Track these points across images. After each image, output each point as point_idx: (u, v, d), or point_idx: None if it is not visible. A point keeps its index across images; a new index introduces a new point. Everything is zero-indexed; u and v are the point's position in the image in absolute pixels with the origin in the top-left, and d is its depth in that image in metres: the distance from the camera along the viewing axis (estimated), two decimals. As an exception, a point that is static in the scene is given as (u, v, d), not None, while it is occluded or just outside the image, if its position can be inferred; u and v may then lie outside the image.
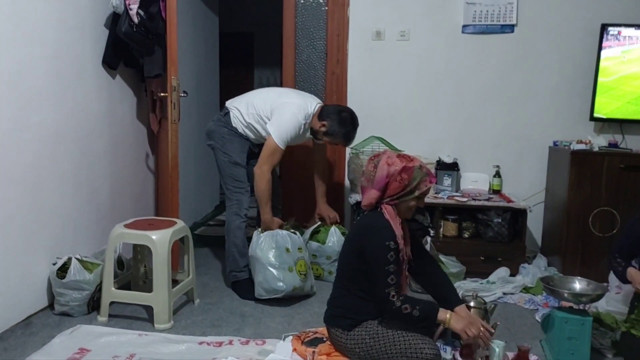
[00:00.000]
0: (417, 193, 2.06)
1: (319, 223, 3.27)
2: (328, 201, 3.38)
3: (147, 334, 2.38)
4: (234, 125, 2.99)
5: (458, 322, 1.99)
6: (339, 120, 2.92)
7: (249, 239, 2.90)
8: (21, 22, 2.39)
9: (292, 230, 2.94)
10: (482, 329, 2.00)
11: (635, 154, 3.16)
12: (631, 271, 2.29)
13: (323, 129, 2.94)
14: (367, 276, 2.03)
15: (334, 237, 3.14)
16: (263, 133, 2.93)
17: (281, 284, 2.69)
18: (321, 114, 2.95)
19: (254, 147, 3.04)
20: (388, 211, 2.06)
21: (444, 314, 2.00)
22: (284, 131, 2.84)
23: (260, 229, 2.88)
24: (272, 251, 2.75)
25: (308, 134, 3.03)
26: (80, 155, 2.85)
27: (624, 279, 2.34)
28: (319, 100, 3.07)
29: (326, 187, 3.37)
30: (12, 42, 2.33)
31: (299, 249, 2.86)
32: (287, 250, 2.79)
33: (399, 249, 2.02)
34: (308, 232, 3.25)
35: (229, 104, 3.07)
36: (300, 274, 2.77)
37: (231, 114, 3.00)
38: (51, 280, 2.58)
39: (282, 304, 2.75)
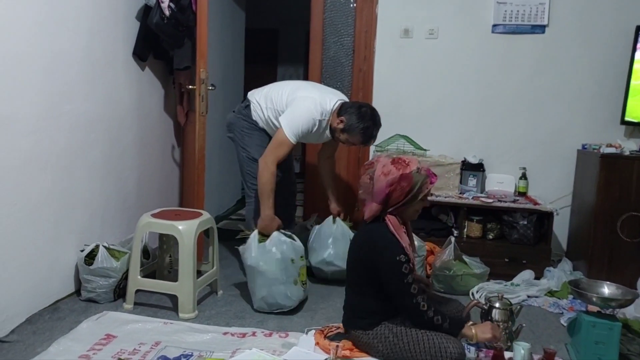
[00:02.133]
0: (420, 197, 2.02)
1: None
2: (351, 197, 3.33)
3: (172, 323, 2.41)
4: (254, 118, 2.91)
5: (484, 332, 2.00)
6: (357, 115, 2.70)
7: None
8: (56, 12, 2.43)
9: (288, 235, 2.65)
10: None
11: (667, 160, 3.10)
12: None
13: (340, 125, 2.73)
14: (387, 291, 2.03)
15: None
16: None
17: (288, 300, 2.54)
18: (340, 111, 2.75)
19: None
20: (392, 222, 2.01)
21: (469, 331, 2.00)
22: (295, 124, 2.68)
23: (255, 229, 2.62)
24: (279, 264, 2.50)
25: (327, 133, 2.84)
26: (109, 145, 2.89)
27: None
28: (342, 97, 2.87)
29: (336, 188, 3.20)
30: (47, 31, 2.38)
31: (301, 257, 2.64)
32: (292, 261, 2.56)
33: (409, 258, 2.01)
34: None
35: (251, 95, 2.97)
36: (303, 285, 2.63)
37: (252, 106, 2.92)
38: (79, 267, 2.62)
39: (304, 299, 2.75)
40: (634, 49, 3.29)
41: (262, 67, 6.81)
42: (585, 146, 3.43)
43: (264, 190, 2.66)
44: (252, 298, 2.60)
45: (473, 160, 3.58)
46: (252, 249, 2.54)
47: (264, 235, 2.60)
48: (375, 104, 3.66)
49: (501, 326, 2.20)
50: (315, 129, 2.76)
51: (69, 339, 2.20)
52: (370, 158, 3.71)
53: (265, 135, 2.93)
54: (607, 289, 2.22)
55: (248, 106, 2.94)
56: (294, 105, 2.74)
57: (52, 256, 2.53)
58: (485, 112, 3.65)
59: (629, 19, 3.36)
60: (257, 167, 2.85)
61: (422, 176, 2.00)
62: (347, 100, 2.89)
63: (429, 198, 2.24)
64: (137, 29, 3.08)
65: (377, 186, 1.98)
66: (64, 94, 2.51)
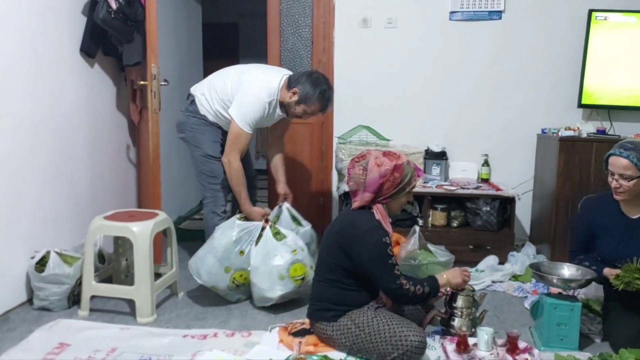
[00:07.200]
0: (408, 189, 2.08)
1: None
2: (316, 190, 3.28)
3: (130, 328, 2.32)
4: (202, 113, 2.77)
5: (455, 277, 2.12)
6: (310, 82, 2.62)
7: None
8: (-8, 7, 2.30)
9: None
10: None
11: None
12: (606, 271, 2.16)
13: (295, 97, 2.64)
14: (371, 276, 2.01)
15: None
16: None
17: (208, 276, 2.52)
18: (290, 84, 2.66)
19: (225, 136, 2.76)
20: (380, 211, 2.05)
21: (442, 279, 2.09)
22: (246, 114, 2.60)
23: (241, 216, 2.66)
24: (229, 241, 2.52)
25: (279, 112, 2.74)
26: (58, 146, 2.77)
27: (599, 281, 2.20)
28: (287, 72, 2.77)
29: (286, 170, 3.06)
30: (-17, 27, 2.25)
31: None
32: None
33: (392, 244, 2.03)
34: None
35: (194, 89, 2.82)
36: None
37: (197, 100, 2.78)
38: (30, 275, 2.50)
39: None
40: (588, 33, 3.32)
41: (223, 62, 6.63)
42: (545, 130, 3.46)
43: (235, 187, 2.70)
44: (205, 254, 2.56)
45: (436, 148, 3.57)
46: (234, 222, 2.60)
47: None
48: (336, 95, 3.57)
49: (465, 312, 2.19)
50: (266, 112, 2.68)
51: (19, 350, 2.10)
52: (334, 150, 3.67)
53: (217, 129, 2.81)
54: (567, 271, 2.23)
55: (193, 101, 2.80)
56: (241, 94, 2.64)
57: (1, 265, 2.40)
58: (446, 100, 3.64)
59: (582, 3, 3.39)
60: (213, 164, 2.78)
61: (412, 169, 2.08)
62: (290, 74, 2.77)
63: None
64: (83, 25, 2.95)
65: (371, 176, 2.01)
66: (5, 95, 2.37)
